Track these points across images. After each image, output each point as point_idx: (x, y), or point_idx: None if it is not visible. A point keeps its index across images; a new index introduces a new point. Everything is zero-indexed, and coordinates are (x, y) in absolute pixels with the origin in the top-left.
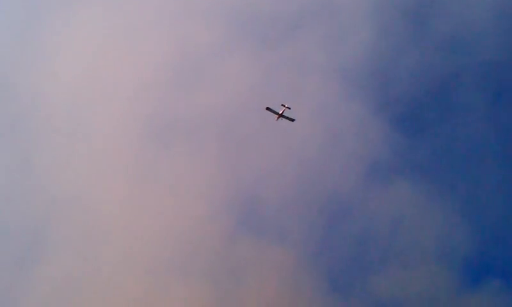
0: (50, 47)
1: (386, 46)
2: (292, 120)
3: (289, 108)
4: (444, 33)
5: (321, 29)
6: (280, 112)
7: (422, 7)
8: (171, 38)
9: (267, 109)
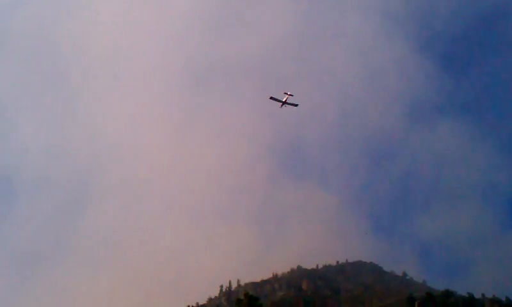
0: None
1: None
2: (296, 105)
3: (292, 95)
4: None
5: None
6: (284, 100)
7: None
8: None
9: (271, 98)
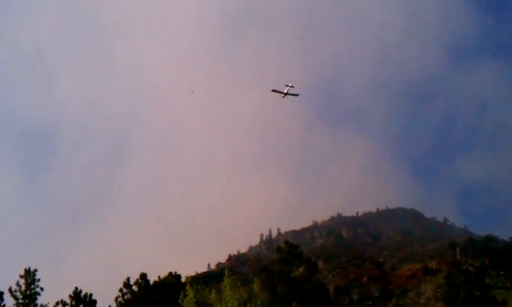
0: None
1: None
2: (297, 95)
3: (293, 86)
4: None
5: None
6: (285, 92)
7: None
8: None
9: (273, 90)
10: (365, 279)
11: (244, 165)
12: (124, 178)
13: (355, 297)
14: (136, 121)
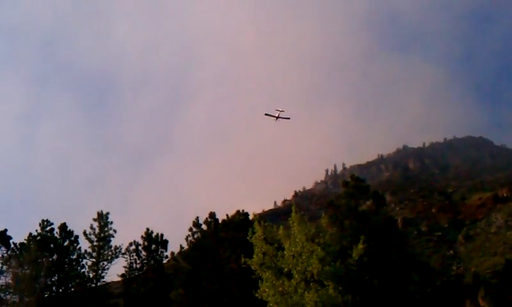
0: None
1: None
2: (288, 118)
3: (283, 111)
4: None
5: None
6: (277, 115)
7: None
8: None
9: (266, 114)
10: (433, 211)
11: (306, 100)
12: (186, 120)
13: (424, 228)
14: (194, 62)
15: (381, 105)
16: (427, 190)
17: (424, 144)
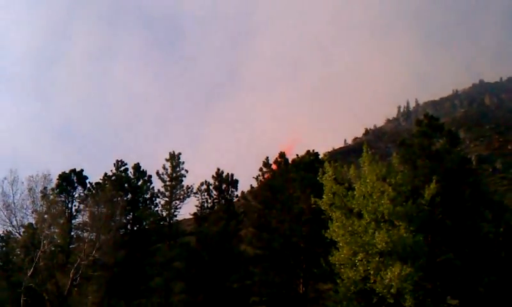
0: None
1: None
2: None
3: None
4: None
5: None
6: None
7: None
8: None
9: None
10: (509, 147)
11: (375, 33)
12: (254, 55)
13: (499, 166)
14: None
15: (455, 37)
16: (504, 127)
17: (501, 78)
